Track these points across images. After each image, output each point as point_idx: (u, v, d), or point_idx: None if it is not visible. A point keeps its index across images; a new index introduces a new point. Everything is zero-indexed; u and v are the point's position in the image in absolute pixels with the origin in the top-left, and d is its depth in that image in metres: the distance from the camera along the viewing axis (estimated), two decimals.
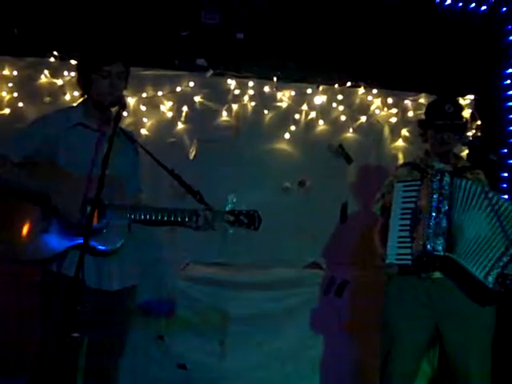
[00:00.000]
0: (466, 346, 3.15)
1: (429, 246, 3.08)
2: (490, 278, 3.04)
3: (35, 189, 2.80)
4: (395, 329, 3.25)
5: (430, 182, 3.18)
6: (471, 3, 4.75)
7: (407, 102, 4.74)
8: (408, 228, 3.18)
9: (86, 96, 3.00)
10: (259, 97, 4.60)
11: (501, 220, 3.11)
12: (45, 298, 2.84)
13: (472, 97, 4.72)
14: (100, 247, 2.80)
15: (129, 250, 2.94)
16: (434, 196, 3.13)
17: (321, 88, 4.64)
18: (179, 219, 2.90)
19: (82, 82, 2.97)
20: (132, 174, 3.10)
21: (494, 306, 3.23)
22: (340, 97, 4.66)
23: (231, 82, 4.56)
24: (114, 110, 2.83)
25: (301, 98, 4.63)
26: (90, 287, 2.76)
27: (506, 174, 4.62)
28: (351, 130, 4.66)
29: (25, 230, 2.80)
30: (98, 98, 2.91)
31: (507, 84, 4.74)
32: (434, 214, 3.11)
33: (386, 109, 4.71)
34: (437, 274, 3.19)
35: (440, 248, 3.07)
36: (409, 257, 3.13)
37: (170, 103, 4.50)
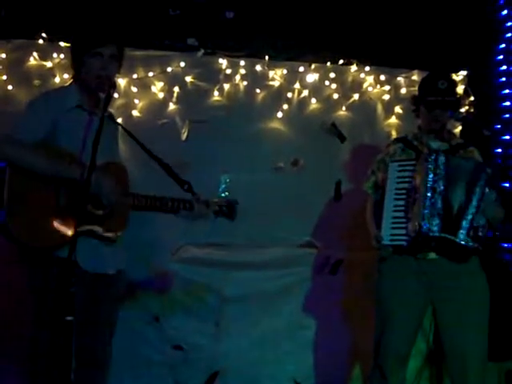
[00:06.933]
0: (463, 325, 3.14)
1: (424, 227, 3.05)
2: (462, 236, 3.04)
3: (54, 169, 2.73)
4: (389, 310, 3.25)
5: (425, 161, 3.13)
6: None
7: (400, 79, 4.71)
8: (403, 208, 3.14)
9: (76, 77, 2.96)
10: (251, 76, 4.57)
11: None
12: (38, 280, 2.80)
13: (465, 72, 4.70)
14: (107, 235, 2.81)
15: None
16: (430, 176, 3.09)
17: (313, 66, 4.61)
18: (172, 208, 2.91)
19: (76, 65, 2.93)
20: (117, 155, 3.11)
21: (487, 285, 3.23)
22: (332, 75, 4.63)
23: (222, 62, 4.52)
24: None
25: (293, 77, 4.59)
26: (85, 271, 2.77)
27: (499, 150, 4.62)
28: (344, 108, 4.64)
29: (41, 214, 2.74)
30: (86, 79, 2.88)
31: (500, 59, 4.71)
32: (429, 195, 3.07)
33: (378, 86, 4.68)
34: (432, 255, 3.18)
35: (436, 229, 3.05)
36: (403, 237, 3.10)
37: (161, 84, 4.46)
